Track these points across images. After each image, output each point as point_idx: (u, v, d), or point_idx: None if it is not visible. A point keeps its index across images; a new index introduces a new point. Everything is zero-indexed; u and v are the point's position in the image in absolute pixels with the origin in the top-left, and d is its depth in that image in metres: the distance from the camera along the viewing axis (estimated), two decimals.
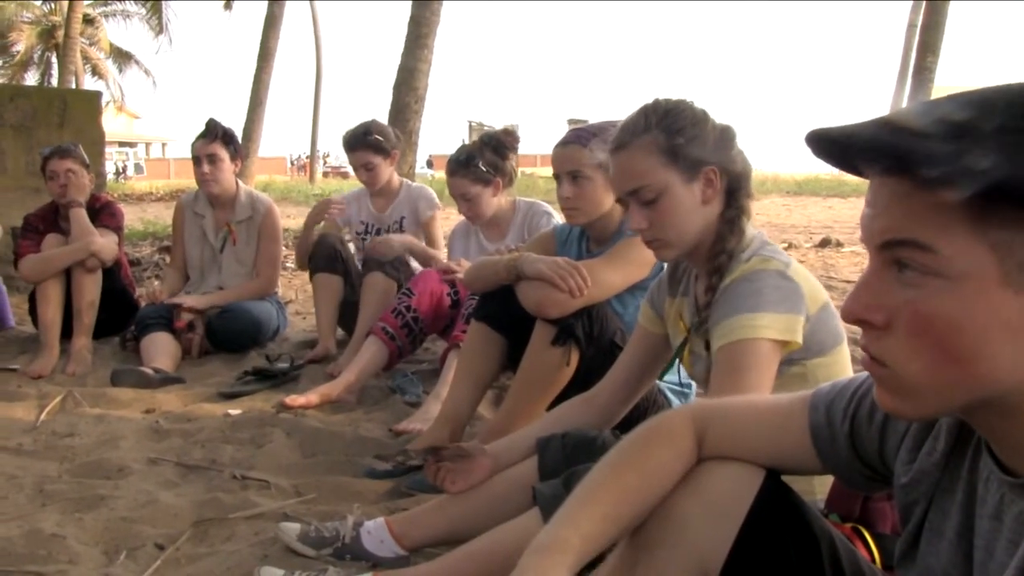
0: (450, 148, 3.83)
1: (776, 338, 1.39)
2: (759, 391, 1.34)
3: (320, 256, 3.36)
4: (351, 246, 3.58)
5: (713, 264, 1.48)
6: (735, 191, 1.50)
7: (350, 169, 3.90)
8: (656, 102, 1.49)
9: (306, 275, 3.84)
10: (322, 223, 3.56)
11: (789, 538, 0.97)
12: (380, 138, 3.42)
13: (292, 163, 43.67)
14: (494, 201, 2.90)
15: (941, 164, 0.63)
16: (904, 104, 13.98)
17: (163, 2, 24.21)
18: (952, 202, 0.64)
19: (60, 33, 24.02)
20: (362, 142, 3.41)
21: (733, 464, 0.99)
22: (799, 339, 1.41)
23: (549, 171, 2.59)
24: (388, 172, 3.50)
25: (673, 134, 1.45)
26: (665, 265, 2.04)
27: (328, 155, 40.10)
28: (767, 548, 0.96)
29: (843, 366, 1.50)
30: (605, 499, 0.96)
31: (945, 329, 0.67)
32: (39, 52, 29.32)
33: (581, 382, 1.91)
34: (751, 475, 0.98)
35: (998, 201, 0.63)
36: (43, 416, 2.62)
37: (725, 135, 1.50)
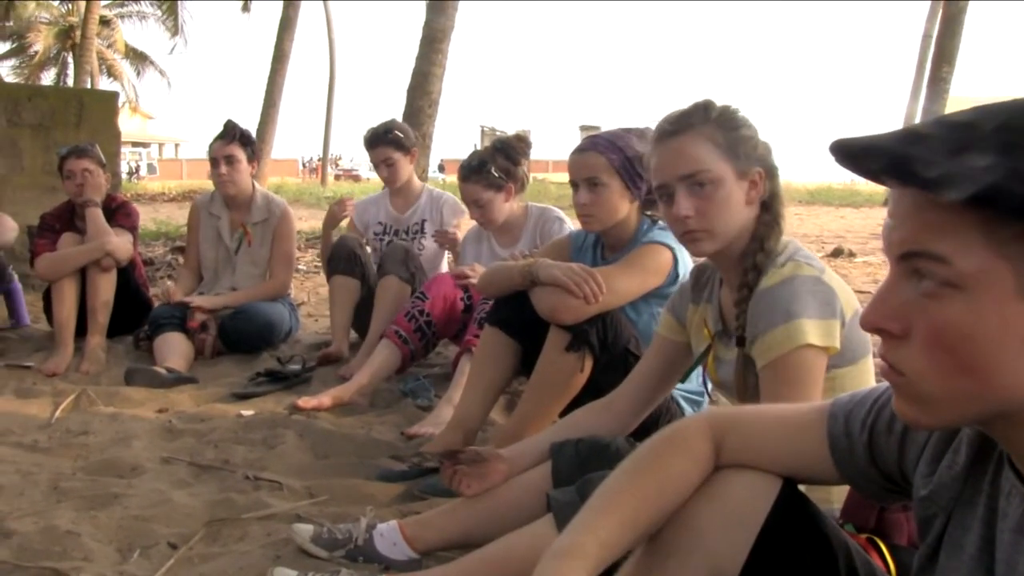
0: (462, 153, 3.89)
1: (819, 344, 1.40)
2: (812, 400, 1.34)
3: (339, 258, 3.38)
4: (368, 249, 3.61)
5: (751, 261, 1.49)
6: (772, 199, 1.52)
7: (362, 172, 3.96)
8: (710, 101, 1.52)
9: (319, 277, 3.85)
10: (345, 223, 3.60)
11: (805, 547, 0.97)
12: (401, 135, 3.52)
13: (304, 165, 43.81)
14: (506, 207, 2.91)
15: (940, 164, 0.63)
16: (919, 114, 13.94)
17: (179, 3, 24.39)
18: (964, 212, 0.64)
19: (77, 34, 24.24)
20: (383, 139, 3.50)
21: (750, 472, 0.99)
22: (838, 344, 1.42)
23: (561, 177, 2.60)
24: (408, 170, 3.57)
25: (731, 131, 1.49)
26: (680, 274, 2.05)
27: (340, 158, 40.23)
28: (783, 557, 0.96)
29: (869, 376, 1.50)
30: (623, 506, 0.96)
31: (959, 340, 0.67)
32: (56, 52, 29.58)
33: (594, 389, 1.91)
34: (768, 484, 0.98)
35: (1005, 208, 0.63)
36: (57, 414, 2.64)
37: (768, 146, 1.54)
